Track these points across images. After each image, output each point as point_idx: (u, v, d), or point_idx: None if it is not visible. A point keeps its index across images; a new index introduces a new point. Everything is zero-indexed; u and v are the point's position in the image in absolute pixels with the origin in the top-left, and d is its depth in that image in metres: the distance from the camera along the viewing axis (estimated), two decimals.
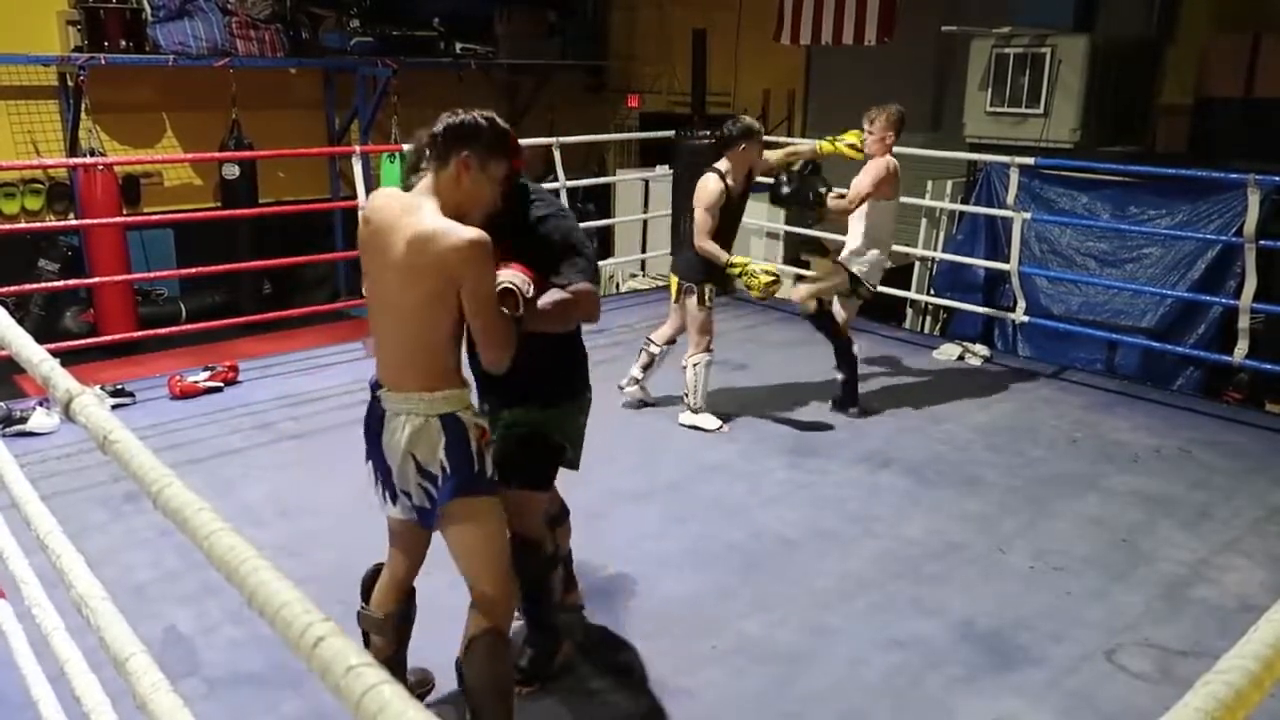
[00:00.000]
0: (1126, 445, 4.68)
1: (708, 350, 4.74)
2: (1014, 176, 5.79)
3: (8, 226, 6.75)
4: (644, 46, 10.32)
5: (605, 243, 9.37)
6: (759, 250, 7.73)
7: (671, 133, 7.22)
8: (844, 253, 4.98)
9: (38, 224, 7.12)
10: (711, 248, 4.52)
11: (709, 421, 4.79)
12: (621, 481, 4.16)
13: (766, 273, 4.50)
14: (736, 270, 4.54)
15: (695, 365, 4.75)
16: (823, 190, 4.71)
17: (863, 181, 4.73)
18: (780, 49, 8.41)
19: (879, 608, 3.29)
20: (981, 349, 6.04)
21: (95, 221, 6.44)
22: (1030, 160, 5.82)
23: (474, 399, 2.42)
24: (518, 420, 2.69)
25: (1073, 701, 2.82)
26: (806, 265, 7.70)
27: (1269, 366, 5.05)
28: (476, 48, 9.15)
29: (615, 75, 10.64)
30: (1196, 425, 4.92)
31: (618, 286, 8.54)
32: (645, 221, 8.37)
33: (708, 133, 7.12)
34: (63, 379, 1.47)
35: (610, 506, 3.92)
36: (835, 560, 3.59)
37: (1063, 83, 6.25)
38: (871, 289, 4.96)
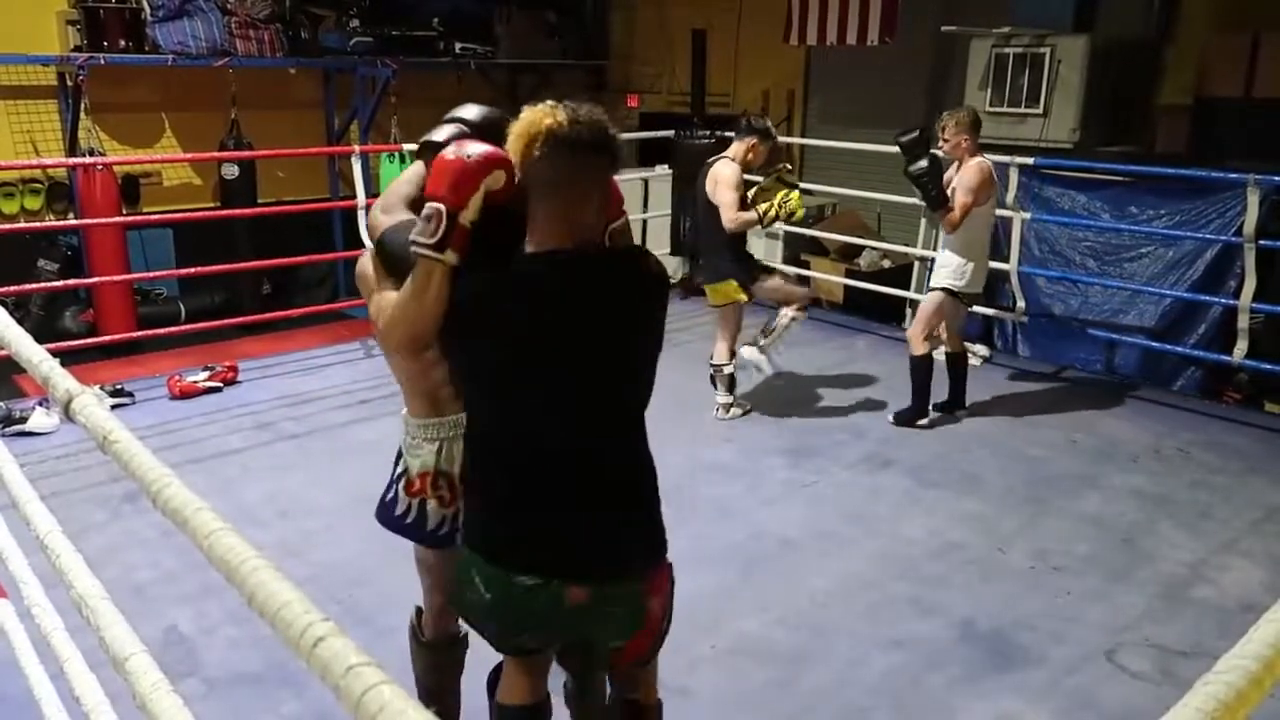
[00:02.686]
0: (1126, 445, 4.68)
1: (735, 354, 4.81)
2: (1013, 176, 5.79)
3: (7, 226, 6.74)
4: (644, 46, 10.31)
5: None
6: (758, 250, 7.70)
7: (671, 132, 7.21)
8: (939, 276, 4.78)
9: (37, 224, 7.11)
10: (744, 216, 4.53)
11: (737, 411, 4.88)
12: None
13: (789, 198, 4.55)
14: (772, 215, 4.56)
15: (726, 369, 4.83)
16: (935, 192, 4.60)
17: (962, 195, 4.56)
18: (780, 49, 8.40)
19: (879, 608, 3.29)
20: (981, 349, 6.04)
21: (95, 221, 6.43)
22: (1029, 160, 5.82)
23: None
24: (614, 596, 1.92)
25: (1073, 701, 2.83)
26: (806, 265, 7.70)
27: (1268, 366, 5.04)
28: (476, 48, 9.14)
29: (615, 75, 10.64)
30: (1196, 425, 4.92)
31: None
32: (645, 221, 8.36)
33: (707, 132, 7.14)
34: (62, 379, 1.47)
35: None
36: (835, 560, 3.59)
37: (1062, 83, 6.25)
38: (977, 294, 4.83)
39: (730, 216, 4.52)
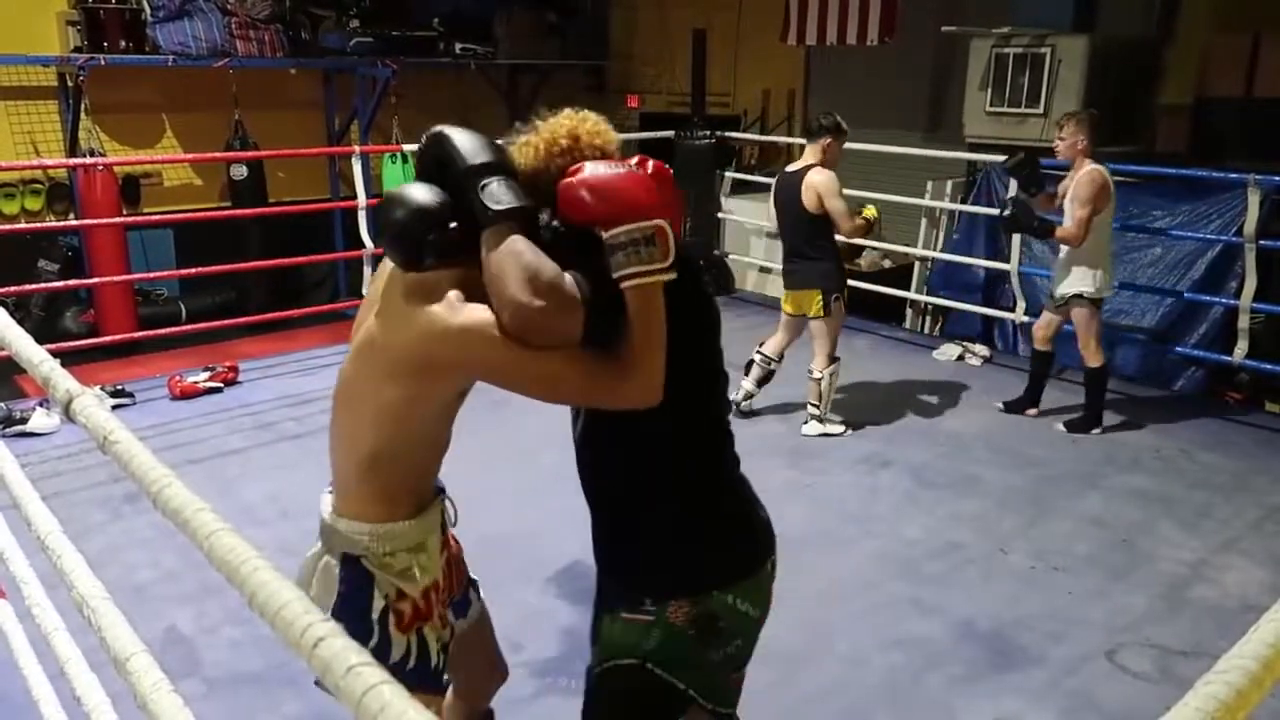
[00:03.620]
0: (1126, 445, 4.68)
1: (836, 360, 4.72)
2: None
3: (7, 227, 6.74)
4: (644, 46, 10.31)
5: None
6: (759, 250, 7.73)
7: (671, 133, 7.21)
8: (1071, 285, 4.64)
9: (37, 224, 7.12)
10: (858, 223, 4.57)
11: (837, 427, 4.81)
12: None
13: (870, 211, 4.73)
14: (879, 224, 4.78)
15: (832, 374, 4.72)
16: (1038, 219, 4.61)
17: (1079, 209, 4.44)
18: (780, 49, 8.41)
19: (879, 608, 3.29)
20: (981, 349, 6.04)
21: (95, 221, 6.43)
22: None
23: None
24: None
25: (1073, 701, 2.83)
26: None
27: (1269, 366, 5.05)
28: (476, 48, 9.14)
29: (615, 75, 10.64)
30: (1197, 425, 4.92)
31: None
32: None
33: (707, 132, 7.14)
34: (63, 379, 1.47)
35: None
36: (835, 560, 3.59)
37: (1062, 83, 6.25)
38: (1109, 294, 4.76)
39: (847, 226, 4.50)
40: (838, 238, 4.67)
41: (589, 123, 1.64)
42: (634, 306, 1.49)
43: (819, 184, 4.50)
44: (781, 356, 4.92)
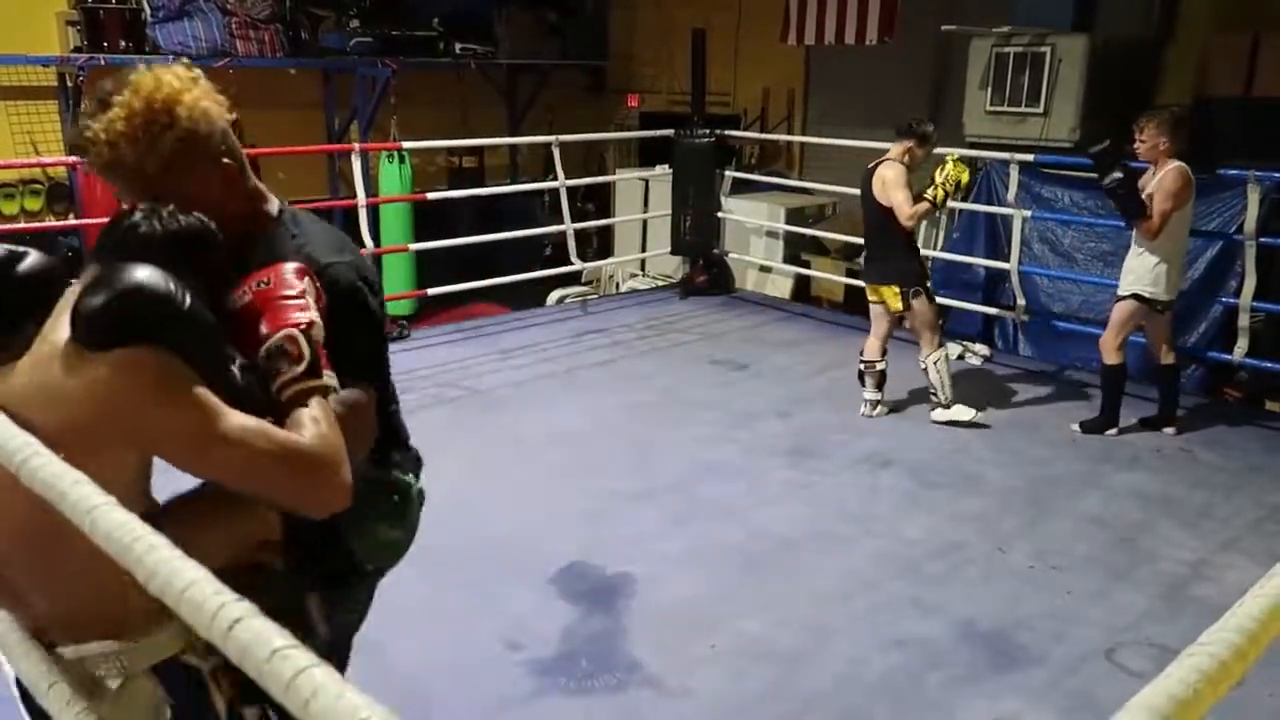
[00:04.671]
0: (1126, 445, 4.67)
1: (941, 345, 4.79)
2: (1014, 174, 5.79)
3: (7, 227, 6.75)
4: (644, 46, 10.31)
5: (605, 242, 9.37)
6: (759, 250, 7.73)
7: (671, 132, 7.21)
8: (1128, 282, 4.56)
9: (37, 224, 7.12)
10: (919, 208, 4.59)
11: (964, 413, 4.82)
12: (621, 481, 4.16)
13: (948, 170, 4.62)
14: (941, 194, 4.63)
15: (936, 362, 4.78)
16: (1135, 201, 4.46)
17: (1162, 201, 4.34)
18: (779, 49, 8.41)
19: (879, 608, 3.28)
20: (982, 348, 6.03)
21: (95, 221, 6.42)
22: (1030, 157, 5.82)
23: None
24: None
25: (1073, 701, 2.82)
26: (807, 265, 7.70)
27: (1269, 365, 5.04)
28: (476, 48, 9.15)
29: (615, 75, 10.64)
30: (1197, 424, 4.92)
31: (618, 286, 8.54)
32: (645, 221, 8.36)
33: (707, 132, 7.14)
34: None
35: (610, 506, 3.91)
36: (835, 560, 3.59)
37: (1062, 82, 6.25)
38: (1172, 300, 4.60)
39: (907, 213, 4.56)
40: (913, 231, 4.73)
41: (194, 90, 1.45)
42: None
43: (887, 176, 4.60)
44: (884, 352, 4.94)
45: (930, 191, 4.62)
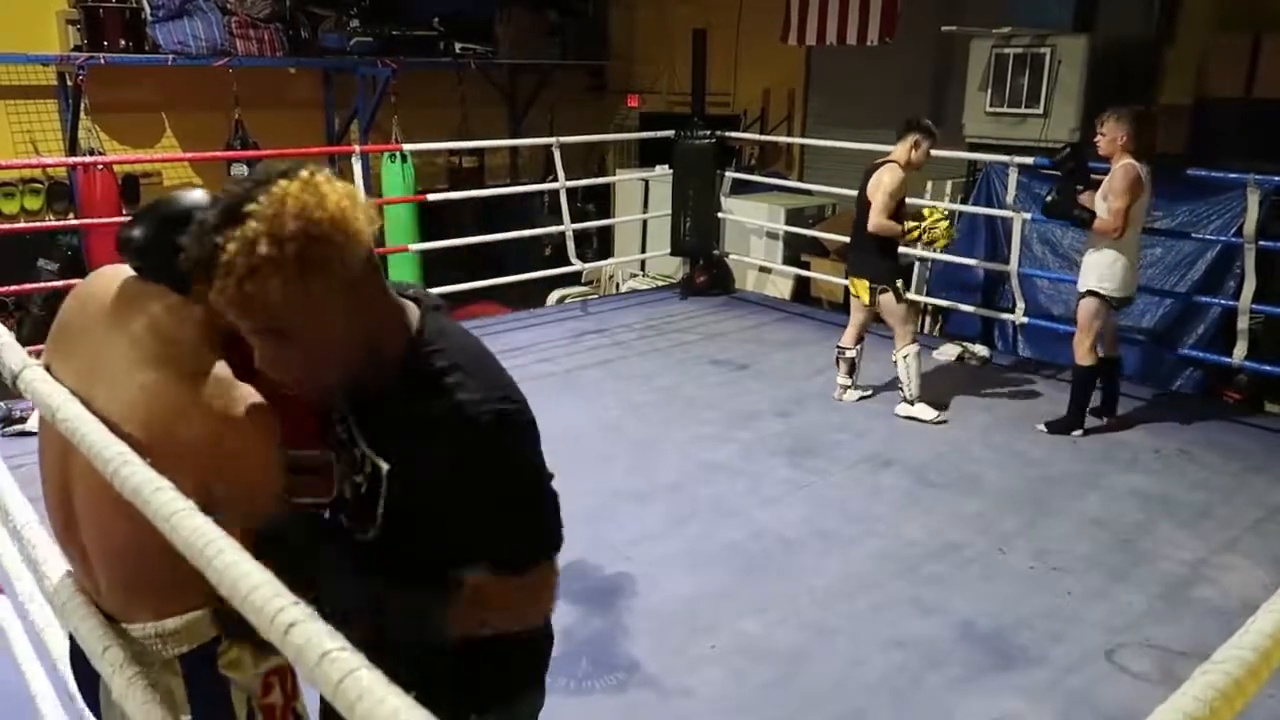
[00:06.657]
0: (1126, 445, 4.68)
1: (914, 341, 4.89)
2: (1013, 176, 5.79)
3: (7, 226, 6.74)
4: (644, 46, 10.32)
5: (605, 243, 9.37)
6: (759, 250, 7.73)
7: (671, 132, 7.21)
8: (1087, 280, 4.60)
9: (37, 224, 7.12)
10: (888, 224, 4.68)
11: (926, 412, 4.91)
12: (621, 481, 4.16)
13: (940, 220, 4.86)
14: (915, 234, 4.81)
15: (906, 357, 4.88)
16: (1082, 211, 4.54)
17: (1114, 200, 4.36)
18: (780, 49, 8.41)
19: (879, 608, 3.28)
20: (981, 349, 6.03)
21: (95, 221, 6.42)
22: (1029, 160, 5.81)
23: None
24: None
25: (1073, 701, 2.82)
26: (806, 265, 7.70)
27: (1268, 367, 5.04)
28: (476, 48, 9.14)
29: (615, 75, 10.64)
30: (1196, 425, 4.92)
31: (618, 286, 8.54)
32: (645, 221, 8.36)
33: (707, 132, 7.14)
34: (13, 352, 1.43)
35: (610, 506, 3.91)
36: (835, 560, 3.59)
37: (1062, 83, 6.25)
38: (1129, 298, 4.64)
39: (876, 221, 4.68)
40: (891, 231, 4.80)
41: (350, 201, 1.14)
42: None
43: (884, 179, 4.70)
44: (859, 340, 5.09)
45: (909, 224, 4.78)
